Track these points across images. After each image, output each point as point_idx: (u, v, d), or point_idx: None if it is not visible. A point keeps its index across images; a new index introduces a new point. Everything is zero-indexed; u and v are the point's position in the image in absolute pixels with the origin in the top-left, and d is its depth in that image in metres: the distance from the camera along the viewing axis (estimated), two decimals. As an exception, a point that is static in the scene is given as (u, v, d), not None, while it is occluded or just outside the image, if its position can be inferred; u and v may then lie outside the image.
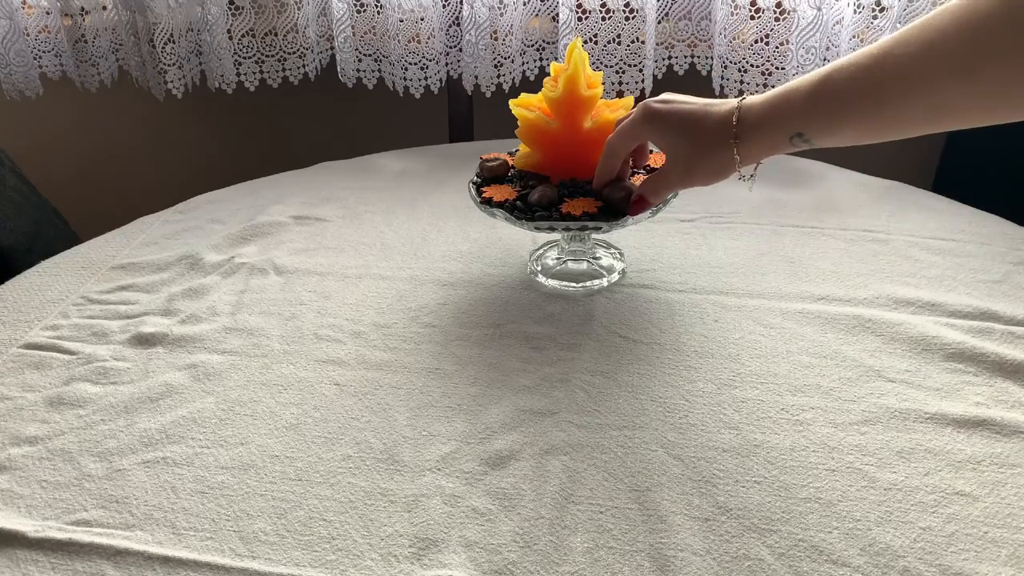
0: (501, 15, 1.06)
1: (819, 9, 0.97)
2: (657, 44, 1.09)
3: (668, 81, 1.14)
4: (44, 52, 1.20)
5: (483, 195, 0.68)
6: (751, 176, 0.58)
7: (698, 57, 1.10)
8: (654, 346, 0.63)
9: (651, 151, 0.71)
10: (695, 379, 0.59)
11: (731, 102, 0.57)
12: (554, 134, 0.66)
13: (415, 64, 1.11)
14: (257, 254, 0.78)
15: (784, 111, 0.53)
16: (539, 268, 0.73)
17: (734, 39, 1.03)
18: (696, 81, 1.12)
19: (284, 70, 1.17)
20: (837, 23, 0.98)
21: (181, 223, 0.86)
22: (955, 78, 0.45)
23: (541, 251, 0.76)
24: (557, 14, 1.06)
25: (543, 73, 1.12)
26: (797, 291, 0.69)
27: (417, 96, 1.13)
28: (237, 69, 1.16)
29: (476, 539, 0.47)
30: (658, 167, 0.70)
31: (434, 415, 0.56)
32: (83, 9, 1.16)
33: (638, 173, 0.69)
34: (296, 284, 0.73)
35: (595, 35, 1.07)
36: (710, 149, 0.57)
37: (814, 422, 0.54)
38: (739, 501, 0.48)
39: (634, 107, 0.63)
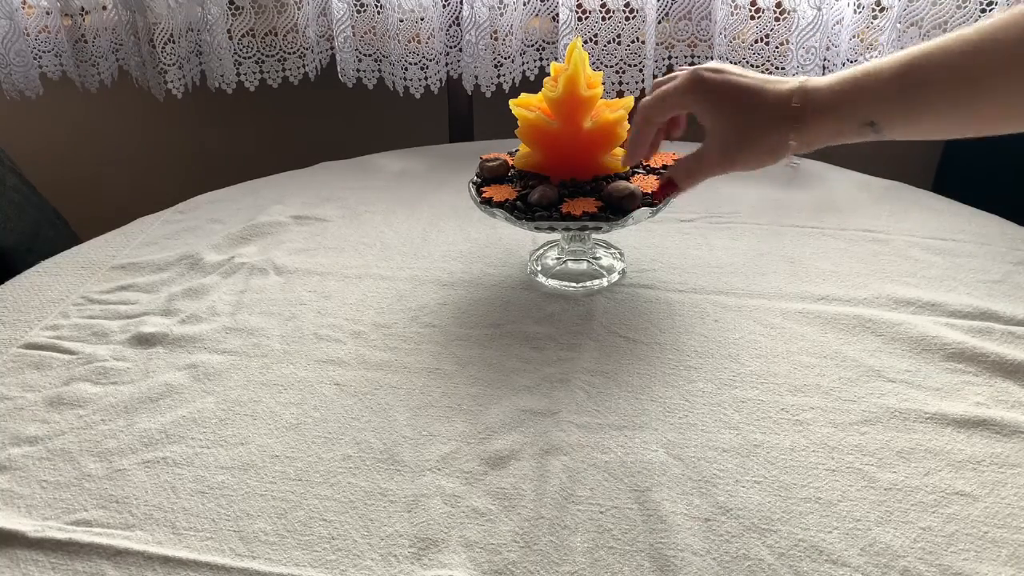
0: (501, 15, 1.06)
1: (819, 9, 0.97)
2: (657, 44, 1.09)
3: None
4: (44, 52, 1.20)
5: (483, 195, 0.68)
6: (796, 164, 0.56)
7: (698, 57, 1.10)
8: (654, 346, 0.63)
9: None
10: (695, 379, 0.59)
11: (791, 81, 0.53)
12: (554, 134, 0.66)
13: (415, 64, 1.11)
14: (257, 254, 0.78)
15: (857, 97, 0.50)
16: (539, 268, 0.73)
17: (734, 39, 1.03)
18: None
19: (284, 70, 1.17)
20: (837, 23, 0.98)
21: (181, 223, 0.86)
22: None
23: (541, 251, 0.76)
24: (557, 14, 1.06)
25: (543, 73, 1.12)
26: (797, 291, 0.69)
27: (417, 96, 1.13)
28: (237, 69, 1.16)
29: (476, 539, 0.47)
30: (659, 167, 0.70)
31: (434, 415, 0.56)
32: (83, 9, 1.16)
33: (638, 173, 0.69)
34: (296, 284, 0.73)
35: (595, 35, 1.07)
36: (762, 130, 0.53)
37: (814, 422, 0.54)
38: (739, 501, 0.48)
39: (634, 107, 0.62)
